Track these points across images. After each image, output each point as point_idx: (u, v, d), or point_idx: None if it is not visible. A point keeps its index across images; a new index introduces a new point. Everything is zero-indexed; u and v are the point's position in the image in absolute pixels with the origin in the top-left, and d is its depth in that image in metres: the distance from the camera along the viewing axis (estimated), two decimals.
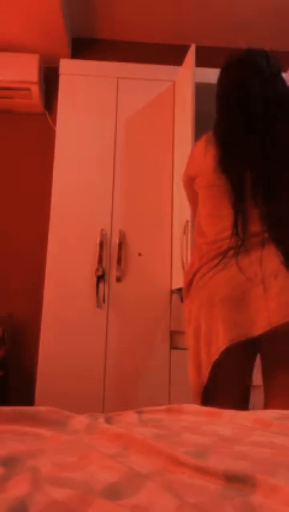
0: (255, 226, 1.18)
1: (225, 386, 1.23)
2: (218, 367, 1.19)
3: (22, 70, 2.66)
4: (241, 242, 1.17)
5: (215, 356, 1.16)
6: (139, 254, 2.47)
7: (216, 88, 1.37)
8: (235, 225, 1.19)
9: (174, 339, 2.38)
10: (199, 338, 1.22)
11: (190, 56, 2.34)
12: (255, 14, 2.74)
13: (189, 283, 1.29)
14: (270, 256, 1.14)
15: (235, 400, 1.21)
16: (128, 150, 2.57)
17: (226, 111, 1.32)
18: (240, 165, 1.22)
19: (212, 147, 1.29)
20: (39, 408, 0.76)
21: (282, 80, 1.31)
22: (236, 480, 0.50)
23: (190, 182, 1.42)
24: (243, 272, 1.14)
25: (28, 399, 2.37)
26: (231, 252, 1.17)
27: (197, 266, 1.26)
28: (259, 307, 1.12)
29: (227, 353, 1.15)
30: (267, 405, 1.21)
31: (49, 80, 2.82)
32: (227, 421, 0.80)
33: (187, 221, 2.18)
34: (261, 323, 1.11)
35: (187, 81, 2.36)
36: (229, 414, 0.84)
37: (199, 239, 1.33)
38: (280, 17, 2.76)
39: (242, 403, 1.22)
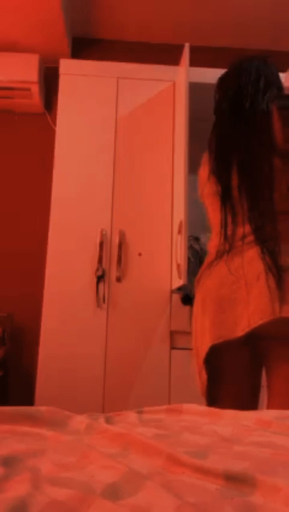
0: (242, 229, 1.20)
1: (228, 386, 1.23)
2: (218, 368, 1.19)
3: (22, 70, 2.66)
4: (228, 245, 1.20)
5: (202, 356, 1.18)
6: (140, 254, 2.47)
7: (214, 94, 1.40)
8: (224, 228, 1.22)
9: (174, 339, 2.39)
10: (196, 339, 1.24)
11: (185, 56, 2.34)
12: (254, 14, 2.74)
13: (195, 287, 1.33)
14: (254, 259, 1.15)
15: (241, 400, 1.21)
16: (128, 150, 2.57)
17: (220, 115, 1.35)
18: (228, 170, 1.24)
19: (207, 155, 1.33)
20: (39, 408, 0.76)
21: (279, 81, 1.33)
22: (236, 480, 0.50)
23: (202, 189, 1.45)
24: (232, 273, 1.17)
25: (28, 399, 2.37)
26: (223, 255, 1.21)
27: (202, 269, 1.31)
28: (242, 309, 1.13)
29: (226, 354, 1.16)
30: (267, 405, 1.22)
31: (49, 80, 2.82)
32: (227, 421, 0.80)
33: (181, 221, 2.20)
34: (242, 324, 1.12)
35: (183, 80, 2.36)
36: (229, 414, 0.84)
37: (209, 242, 1.37)
38: (279, 17, 2.76)
39: (249, 403, 1.22)
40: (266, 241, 1.14)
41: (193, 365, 1.33)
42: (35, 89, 2.68)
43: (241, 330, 1.11)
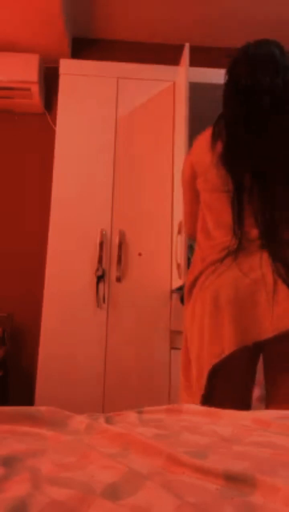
0: (254, 230, 1.17)
1: (227, 388, 1.22)
2: (221, 369, 1.18)
3: (22, 70, 2.66)
4: (239, 246, 1.16)
5: (219, 358, 1.14)
6: (140, 254, 2.47)
7: (225, 77, 1.30)
8: (235, 229, 1.18)
9: (174, 339, 2.39)
10: (202, 339, 1.20)
11: (185, 56, 2.34)
12: (254, 14, 2.74)
13: (192, 285, 1.28)
14: (268, 263, 1.14)
15: (237, 402, 1.20)
16: (128, 150, 2.57)
17: (232, 103, 1.26)
18: (243, 168, 1.19)
19: (219, 146, 1.22)
20: (39, 408, 0.76)
21: None
22: (236, 480, 0.50)
23: (191, 178, 1.38)
24: (246, 274, 1.14)
25: (28, 399, 2.37)
26: (233, 255, 1.17)
27: (200, 269, 1.25)
28: (265, 311, 1.11)
29: (231, 356, 1.14)
30: (269, 408, 1.21)
31: (49, 80, 2.82)
32: (227, 421, 0.80)
33: (181, 221, 2.20)
34: (267, 327, 1.10)
35: (184, 80, 2.37)
36: (229, 414, 0.84)
37: (205, 241, 1.31)
38: (280, 17, 2.76)
39: (244, 405, 1.22)
40: (272, 248, 1.13)
41: (183, 364, 1.31)
42: (35, 89, 2.68)
43: (266, 332, 1.10)
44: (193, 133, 2.19)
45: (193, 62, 2.35)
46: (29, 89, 2.68)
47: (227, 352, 1.13)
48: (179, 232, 2.26)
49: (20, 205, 2.81)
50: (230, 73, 1.29)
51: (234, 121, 1.23)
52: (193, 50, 2.37)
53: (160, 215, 2.52)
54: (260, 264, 1.13)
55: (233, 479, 0.50)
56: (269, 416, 0.81)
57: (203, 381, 1.18)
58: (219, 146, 1.22)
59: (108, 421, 0.78)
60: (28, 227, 2.76)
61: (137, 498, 0.46)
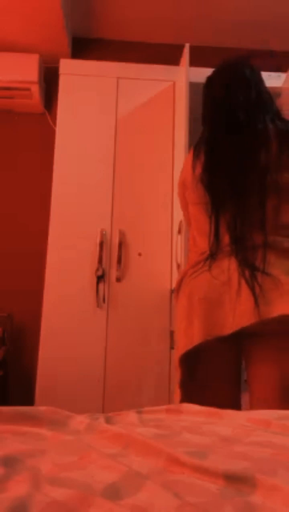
0: (226, 237, 1.27)
1: (211, 385, 1.28)
2: (203, 366, 1.26)
3: (22, 70, 2.66)
4: (215, 251, 1.27)
5: (187, 348, 1.23)
6: (139, 254, 2.47)
7: (202, 99, 1.45)
8: (210, 237, 1.29)
9: (174, 339, 2.39)
10: (180, 335, 1.29)
11: (185, 56, 2.35)
12: (254, 14, 2.74)
13: (178, 286, 1.38)
14: (235, 266, 1.22)
15: (225, 399, 1.26)
16: (128, 150, 2.57)
17: (210, 121, 1.40)
18: (220, 180, 1.29)
19: (199, 162, 1.34)
20: (39, 408, 0.76)
21: (265, 88, 1.38)
22: (236, 480, 0.50)
23: (183, 190, 1.48)
24: (216, 277, 1.24)
25: (28, 399, 2.37)
26: (209, 259, 1.29)
27: (184, 271, 1.36)
28: (230, 310, 1.20)
29: (210, 352, 1.23)
30: (250, 405, 1.26)
31: (49, 80, 2.83)
32: (227, 421, 0.80)
33: (181, 221, 2.21)
34: (230, 324, 1.18)
35: (184, 81, 2.37)
36: (229, 414, 0.84)
37: (191, 247, 1.43)
38: (279, 17, 2.76)
39: (232, 402, 1.26)
40: (238, 253, 1.22)
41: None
42: (35, 89, 2.68)
43: (231, 328, 1.18)
44: (193, 133, 2.20)
45: (193, 62, 2.35)
46: (29, 89, 2.68)
47: (194, 343, 1.21)
48: (179, 232, 2.26)
49: (20, 205, 2.81)
50: (206, 94, 1.44)
51: (213, 137, 1.35)
52: (193, 50, 2.37)
53: (160, 215, 2.52)
54: (228, 268, 1.23)
55: (233, 479, 0.50)
56: (269, 416, 0.81)
57: (178, 372, 1.27)
58: (199, 167, 1.34)
59: (108, 421, 0.79)
60: (28, 227, 2.77)
61: (138, 498, 0.46)
